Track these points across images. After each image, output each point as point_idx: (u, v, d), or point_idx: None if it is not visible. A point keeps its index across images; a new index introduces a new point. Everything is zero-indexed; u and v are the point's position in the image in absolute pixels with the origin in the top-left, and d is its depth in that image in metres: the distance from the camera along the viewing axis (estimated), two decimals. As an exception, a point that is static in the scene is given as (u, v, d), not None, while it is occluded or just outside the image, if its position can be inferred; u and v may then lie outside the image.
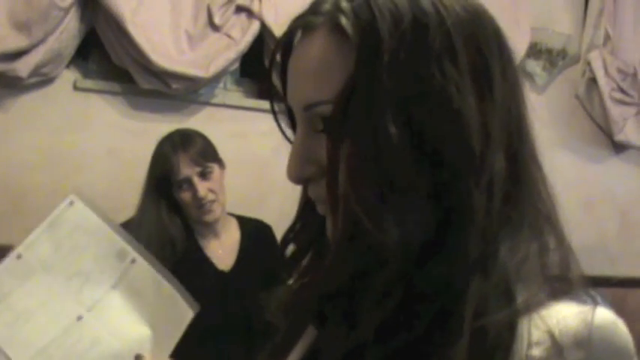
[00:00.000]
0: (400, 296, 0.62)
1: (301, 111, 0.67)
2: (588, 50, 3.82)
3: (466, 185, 0.61)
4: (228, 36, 2.87)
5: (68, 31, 2.61)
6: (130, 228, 2.08)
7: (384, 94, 0.60)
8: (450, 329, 0.60)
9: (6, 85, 2.61)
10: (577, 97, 3.91)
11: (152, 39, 2.69)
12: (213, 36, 2.88)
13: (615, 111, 3.79)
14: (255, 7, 2.89)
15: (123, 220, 2.17)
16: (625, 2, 3.90)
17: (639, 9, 3.96)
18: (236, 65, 2.95)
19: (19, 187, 2.64)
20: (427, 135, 0.61)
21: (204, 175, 2.14)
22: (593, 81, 3.79)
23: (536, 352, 0.59)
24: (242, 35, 2.88)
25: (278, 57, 0.72)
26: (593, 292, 0.66)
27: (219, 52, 2.84)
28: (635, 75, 3.89)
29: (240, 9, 2.90)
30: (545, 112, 3.79)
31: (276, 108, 0.75)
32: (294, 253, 0.79)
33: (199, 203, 2.14)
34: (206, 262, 2.22)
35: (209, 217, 2.18)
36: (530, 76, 3.75)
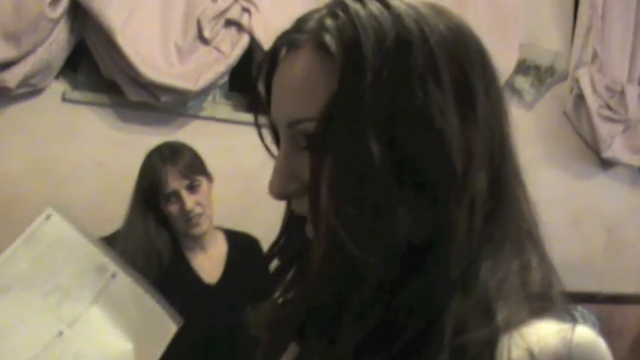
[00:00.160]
0: (381, 313, 0.62)
1: (285, 127, 0.68)
2: (576, 67, 3.84)
3: (447, 204, 0.61)
4: (218, 49, 2.87)
5: (57, 42, 2.60)
6: (117, 240, 2.09)
7: (367, 112, 0.60)
8: (430, 346, 0.60)
9: (-6, 95, 2.61)
10: (565, 113, 3.92)
11: (141, 51, 2.69)
12: (203, 49, 2.88)
13: (603, 128, 3.81)
14: (245, 21, 2.90)
15: (110, 232, 2.16)
16: (613, 20, 3.92)
17: (627, 27, 3.99)
18: (225, 79, 2.95)
19: (7, 197, 2.63)
20: (409, 153, 0.61)
21: (192, 188, 2.14)
22: (580, 98, 3.81)
23: None
24: (231, 49, 2.89)
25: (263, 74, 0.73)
26: (574, 310, 0.66)
27: (208, 66, 2.84)
28: (622, 92, 3.91)
29: (229, 23, 2.90)
30: (533, 128, 3.81)
31: (264, 121, 0.76)
32: (278, 268, 0.79)
33: (187, 216, 2.14)
34: (192, 275, 2.22)
35: (196, 230, 2.18)
36: (518, 93, 3.77)
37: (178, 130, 2.95)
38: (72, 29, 2.65)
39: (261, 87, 0.74)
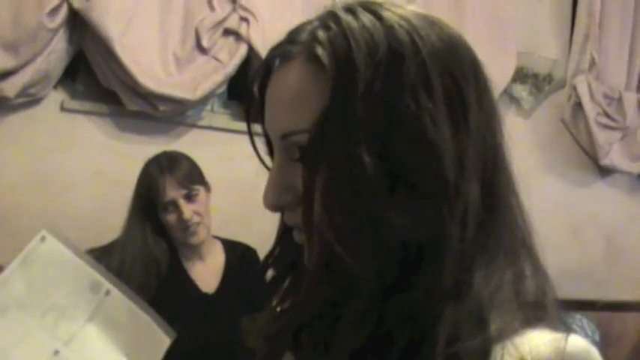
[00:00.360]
0: (374, 323, 0.62)
1: (278, 139, 0.68)
2: (574, 75, 3.84)
3: (440, 215, 0.61)
4: (216, 59, 2.88)
5: (56, 52, 2.61)
6: (115, 249, 2.09)
7: (359, 124, 0.60)
8: (424, 356, 0.60)
9: (-7, 105, 2.61)
10: (563, 121, 3.93)
11: (140, 61, 2.69)
12: (201, 59, 2.89)
13: (601, 136, 3.81)
14: (243, 31, 2.90)
15: (108, 241, 2.17)
16: (610, 28, 3.93)
17: (624, 34, 4.00)
18: (223, 88, 2.96)
19: (5, 207, 2.63)
20: (401, 165, 0.61)
21: (189, 198, 2.14)
22: (578, 106, 3.82)
23: None
24: (230, 58, 2.89)
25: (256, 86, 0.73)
26: (571, 318, 0.66)
27: (206, 75, 2.85)
28: (620, 100, 3.92)
29: (228, 32, 2.91)
30: (531, 136, 3.81)
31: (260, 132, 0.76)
32: (273, 278, 0.79)
33: (184, 225, 2.14)
34: (190, 285, 2.22)
35: (194, 240, 2.18)
36: (516, 101, 3.77)
37: (177, 139, 2.95)
38: (70, 39, 2.66)
39: (255, 98, 0.74)
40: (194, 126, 3.01)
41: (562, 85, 3.89)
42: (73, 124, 2.78)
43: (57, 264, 1.67)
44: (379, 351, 0.62)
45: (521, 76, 3.72)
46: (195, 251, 2.25)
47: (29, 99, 2.66)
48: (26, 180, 2.68)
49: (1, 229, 2.59)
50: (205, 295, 2.22)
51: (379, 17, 0.65)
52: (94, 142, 2.82)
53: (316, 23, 0.67)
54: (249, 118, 0.75)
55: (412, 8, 0.69)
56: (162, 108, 2.77)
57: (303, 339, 0.69)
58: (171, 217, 2.14)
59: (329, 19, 0.66)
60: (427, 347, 0.60)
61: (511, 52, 3.58)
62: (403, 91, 0.61)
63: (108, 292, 1.67)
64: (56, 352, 1.60)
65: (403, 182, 0.61)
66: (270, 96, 0.69)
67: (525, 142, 3.74)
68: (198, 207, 2.16)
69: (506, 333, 0.61)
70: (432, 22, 0.67)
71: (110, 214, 2.32)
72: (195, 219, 2.15)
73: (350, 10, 0.66)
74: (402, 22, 0.65)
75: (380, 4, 0.67)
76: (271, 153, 0.74)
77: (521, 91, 3.75)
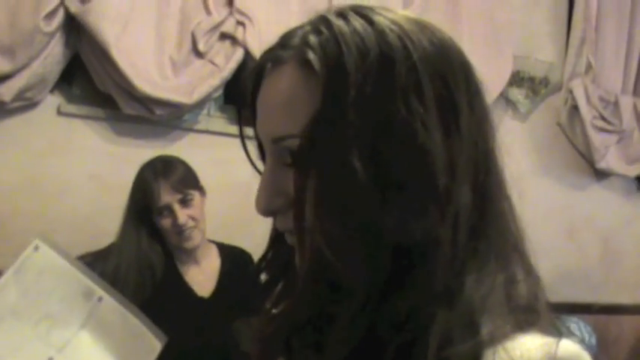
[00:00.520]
0: (366, 327, 0.62)
1: (269, 144, 0.68)
2: (570, 78, 3.84)
3: (431, 219, 0.62)
4: (212, 63, 2.88)
5: (52, 56, 2.61)
6: (111, 254, 2.09)
7: (350, 128, 0.61)
8: None
9: (-11, 109, 2.61)
10: (559, 124, 3.93)
11: (136, 65, 2.69)
12: (197, 62, 2.89)
13: (597, 139, 3.81)
14: (240, 35, 2.90)
15: (104, 245, 2.16)
16: (606, 31, 3.94)
17: (621, 38, 4.00)
18: (220, 92, 2.96)
19: (1, 210, 2.62)
20: (392, 169, 0.61)
21: (184, 203, 2.14)
22: (575, 109, 3.81)
23: None
24: (226, 62, 2.89)
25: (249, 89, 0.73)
26: (565, 322, 0.66)
27: (202, 79, 2.84)
28: (616, 103, 3.92)
29: (224, 36, 2.91)
30: (528, 139, 3.81)
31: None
32: (266, 282, 0.79)
33: (179, 230, 2.14)
34: (185, 289, 2.22)
35: (189, 244, 2.18)
36: (512, 104, 3.77)
37: (173, 143, 2.95)
38: (67, 43, 2.66)
39: (247, 103, 0.74)
40: (190, 130, 3.00)
41: (558, 88, 3.89)
42: (69, 127, 2.78)
43: (50, 272, 1.68)
44: (371, 355, 0.62)
45: (517, 79, 3.73)
46: (191, 255, 2.25)
47: (26, 103, 2.66)
48: (22, 183, 2.68)
49: (-3, 233, 2.59)
50: (201, 299, 2.22)
51: (370, 22, 0.65)
52: (90, 145, 2.81)
53: (308, 28, 0.68)
54: (240, 122, 0.75)
55: (404, 12, 0.69)
56: (158, 112, 2.76)
57: (295, 343, 0.69)
58: (166, 222, 2.14)
59: (320, 23, 0.66)
60: (419, 351, 0.60)
61: (507, 56, 3.58)
62: (394, 95, 0.61)
63: (100, 299, 1.68)
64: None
65: (394, 187, 0.61)
66: (261, 100, 0.70)
67: (522, 145, 3.74)
68: (193, 211, 2.16)
69: (498, 337, 0.61)
70: (423, 27, 0.67)
71: (106, 218, 2.31)
72: (190, 223, 2.15)
73: (341, 14, 0.67)
74: (393, 27, 0.65)
75: (372, 9, 0.67)
76: (263, 157, 0.74)
77: (517, 94, 3.75)
